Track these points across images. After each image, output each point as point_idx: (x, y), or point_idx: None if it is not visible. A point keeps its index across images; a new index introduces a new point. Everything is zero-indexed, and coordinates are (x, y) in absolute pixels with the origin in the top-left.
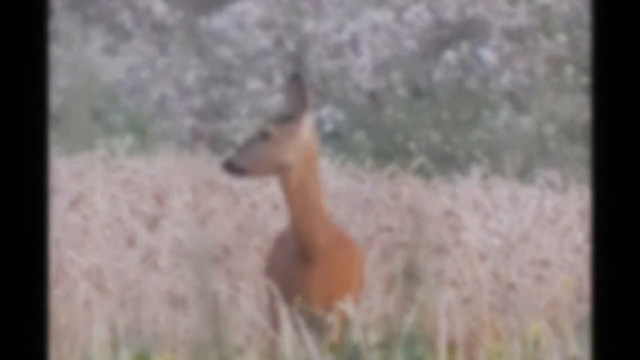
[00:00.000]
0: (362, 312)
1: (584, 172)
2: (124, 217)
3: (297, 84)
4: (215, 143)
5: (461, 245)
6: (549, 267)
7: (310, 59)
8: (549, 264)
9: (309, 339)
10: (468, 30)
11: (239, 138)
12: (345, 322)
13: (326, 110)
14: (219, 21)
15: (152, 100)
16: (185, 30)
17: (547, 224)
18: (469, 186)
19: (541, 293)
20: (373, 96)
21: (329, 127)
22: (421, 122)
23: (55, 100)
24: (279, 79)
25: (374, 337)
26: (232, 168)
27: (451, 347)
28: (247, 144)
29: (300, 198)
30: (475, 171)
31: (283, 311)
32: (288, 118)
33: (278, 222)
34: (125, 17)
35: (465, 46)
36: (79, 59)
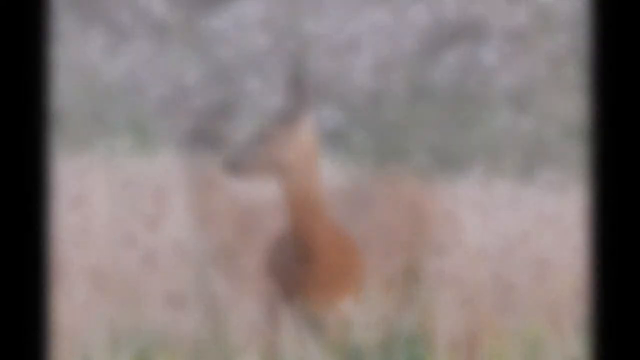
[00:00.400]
0: (362, 312)
1: (584, 172)
2: (124, 217)
3: (297, 84)
4: (215, 143)
5: (461, 245)
6: (549, 267)
7: (310, 59)
8: (549, 264)
9: (309, 339)
10: (468, 30)
11: (239, 138)
12: (345, 322)
13: (326, 110)
14: (219, 21)
15: (152, 100)
16: (185, 30)
17: (547, 224)
18: (469, 186)
19: (541, 293)
20: (373, 96)
21: (329, 127)
22: (421, 122)
23: (55, 100)
24: (279, 79)
25: (374, 337)
26: (232, 168)
27: (451, 347)
28: (247, 144)
29: (300, 198)
30: (475, 171)
31: (283, 311)
32: (288, 118)
33: (278, 222)
34: (125, 17)
35: (465, 46)
36: (79, 59)
